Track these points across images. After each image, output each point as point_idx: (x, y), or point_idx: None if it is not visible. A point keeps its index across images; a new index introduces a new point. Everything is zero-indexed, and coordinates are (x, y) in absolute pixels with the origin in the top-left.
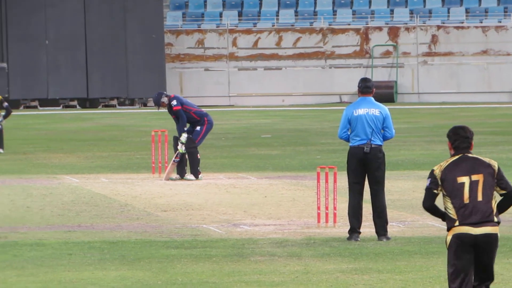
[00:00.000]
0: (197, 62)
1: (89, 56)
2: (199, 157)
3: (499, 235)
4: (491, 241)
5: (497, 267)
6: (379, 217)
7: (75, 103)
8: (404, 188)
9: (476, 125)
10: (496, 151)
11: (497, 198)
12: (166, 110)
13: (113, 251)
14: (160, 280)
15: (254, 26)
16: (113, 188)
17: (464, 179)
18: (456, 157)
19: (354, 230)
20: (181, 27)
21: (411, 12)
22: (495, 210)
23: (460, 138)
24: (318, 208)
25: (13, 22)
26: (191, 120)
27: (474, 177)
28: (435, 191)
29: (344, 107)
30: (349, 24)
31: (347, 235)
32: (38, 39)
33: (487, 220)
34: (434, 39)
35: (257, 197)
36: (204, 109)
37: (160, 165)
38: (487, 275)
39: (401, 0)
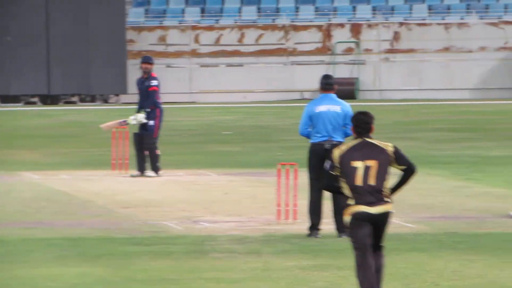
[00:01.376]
0: (159, 59)
1: (51, 53)
2: (158, 153)
3: (391, 212)
4: (386, 217)
5: (456, 264)
6: (339, 214)
7: (36, 99)
8: None
9: (438, 122)
10: (457, 148)
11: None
12: (144, 72)
13: (74, 248)
14: (120, 276)
15: (217, 22)
16: (74, 185)
17: (359, 164)
18: (356, 142)
19: (314, 226)
20: (143, 24)
21: (374, 9)
22: (386, 192)
23: (360, 123)
24: (278, 205)
25: None
26: (148, 105)
27: (368, 163)
28: (334, 172)
29: (306, 104)
30: (311, 21)
31: (307, 231)
32: (0, 36)
33: (380, 200)
34: (396, 36)
35: (217, 194)
36: (163, 106)
37: (120, 161)
38: (381, 242)
39: None
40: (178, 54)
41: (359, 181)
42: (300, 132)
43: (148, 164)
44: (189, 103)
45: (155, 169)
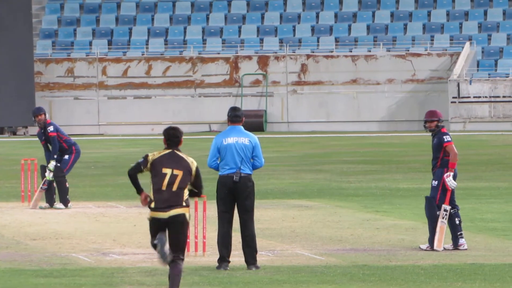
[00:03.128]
0: (67, 91)
1: None
2: (67, 185)
3: (187, 215)
4: (179, 219)
5: None
6: (249, 246)
7: None
8: (273, 217)
9: (346, 154)
10: (365, 180)
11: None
12: (40, 126)
13: None
14: None
15: (124, 54)
16: None
17: (167, 171)
18: (167, 151)
19: (224, 259)
20: (50, 56)
21: (281, 41)
22: (185, 197)
23: (171, 137)
24: (188, 237)
25: None
26: (60, 149)
27: (175, 172)
28: (142, 167)
29: (214, 136)
30: (218, 53)
31: (217, 264)
32: None
33: (176, 204)
34: (303, 68)
35: (126, 226)
36: (72, 138)
37: (29, 193)
38: (180, 247)
39: (271, 29)
40: (86, 86)
41: (164, 186)
42: (209, 164)
43: (56, 196)
44: (97, 135)
45: (64, 201)
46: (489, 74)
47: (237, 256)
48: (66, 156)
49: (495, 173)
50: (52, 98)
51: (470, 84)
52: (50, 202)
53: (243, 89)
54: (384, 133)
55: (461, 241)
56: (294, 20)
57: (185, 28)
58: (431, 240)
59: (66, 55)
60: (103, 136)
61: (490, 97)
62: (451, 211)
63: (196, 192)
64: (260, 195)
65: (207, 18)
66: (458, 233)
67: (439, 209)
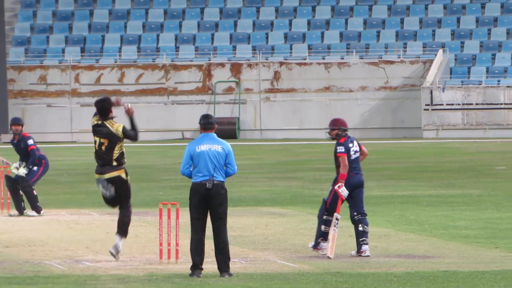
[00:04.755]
0: (40, 98)
1: None
2: (35, 193)
3: (123, 175)
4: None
5: None
6: (221, 253)
7: None
8: (246, 224)
9: (319, 162)
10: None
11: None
12: (16, 134)
13: None
14: None
15: (97, 62)
16: None
17: (96, 139)
18: (99, 122)
19: (196, 266)
20: (23, 63)
21: (254, 48)
22: (115, 156)
23: (101, 109)
24: (161, 244)
25: None
26: (32, 163)
27: (102, 140)
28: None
29: (187, 143)
30: (191, 61)
31: (190, 271)
32: None
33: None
34: (276, 76)
35: (99, 233)
36: (45, 145)
37: (2, 201)
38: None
39: (244, 36)
40: (59, 94)
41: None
42: (182, 172)
43: (25, 203)
44: (70, 142)
45: (36, 209)
46: (462, 82)
47: (210, 263)
48: (35, 168)
49: (468, 180)
50: (25, 105)
51: (443, 91)
52: (20, 210)
53: (216, 97)
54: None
55: (364, 247)
56: (267, 28)
57: (158, 36)
58: (315, 239)
59: (39, 62)
60: (76, 143)
61: (463, 104)
62: (355, 217)
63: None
64: (233, 202)
65: (180, 26)
66: (361, 239)
67: (331, 214)
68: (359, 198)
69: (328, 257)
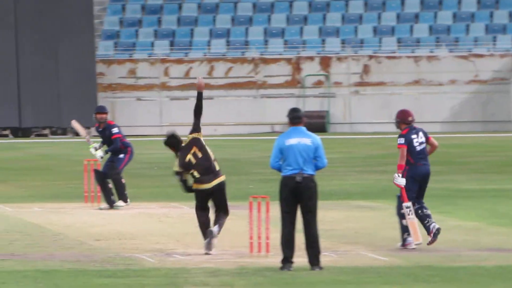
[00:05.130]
0: (129, 92)
1: (22, 85)
2: (124, 181)
3: None
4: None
5: None
6: (312, 247)
7: (7, 132)
8: (336, 218)
9: None
10: (431, 181)
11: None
12: (100, 123)
13: (47, 280)
14: None
15: (186, 55)
16: (46, 217)
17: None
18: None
19: (287, 259)
20: (113, 57)
21: (343, 42)
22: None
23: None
24: (251, 237)
25: None
26: (113, 151)
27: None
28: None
29: (276, 137)
30: (280, 54)
31: (280, 264)
32: None
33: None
34: (365, 69)
35: (190, 226)
36: (135, 139)
37: (92, 194)
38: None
39: (333, 30)
40: (148, 87)
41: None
42: (271, 165)
43: (115, 196)
44: (160, 136)
45: (124, 198)
46: None
47: (300, 257)
48: (121, 155)
49: None
50: (114, 99)
51: None
52: (110, 203)
53: (305, 90)
54: (447, 134)
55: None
56: (356, 21)
57: (247, 29)
58: (401, 237)
59: (128, 56)
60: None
61: None
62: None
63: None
64: (323, 196)
65: (269, 19)
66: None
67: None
68: (423, 190)
69: (416, 245)
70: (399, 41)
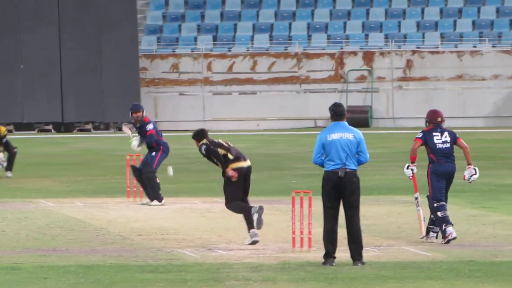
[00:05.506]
0: (172, 87)
1: (64, 80)
2: (158, 181)
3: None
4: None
5: None
6: (354, 242)
7: (50, 127)
8: (379, 213)
9: None
10: None
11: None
12: (136, 121)
13: (88, 275)
14: None
15: (229, 50)
16: (88, 212)
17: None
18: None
19: (329, 254)
20: (155, 52)
21: (386, 37)
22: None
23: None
24: (293, 232)
25: None
26: (149, 145)
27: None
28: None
29: (319, 132)
30: (323, 49)
31: (322, 259)
32: (13, 64)
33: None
34: (409, 64)
35: (232, 221)
36: (178, 134)
37: (135, 189)
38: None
39: (376, 25)
40: (191, 82)
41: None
42: (314, 160)
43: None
44: None
45: (158, 198)
46: None
47: (342, 252)
48: (153, 153)
49: None
50: (157, 94)
51: None
52: (150, 198)
53: (348, 85)
54: (490, 129)
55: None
56: (399, 16)
57: (290, 24)
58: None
59: (171, 51)
60: (208, 131)
61: None
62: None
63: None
64: (366, 191)
65: (312, 14)
66: (443, 224)
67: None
68: (445, 188)
69: (421, 238)
70: (442, 36)
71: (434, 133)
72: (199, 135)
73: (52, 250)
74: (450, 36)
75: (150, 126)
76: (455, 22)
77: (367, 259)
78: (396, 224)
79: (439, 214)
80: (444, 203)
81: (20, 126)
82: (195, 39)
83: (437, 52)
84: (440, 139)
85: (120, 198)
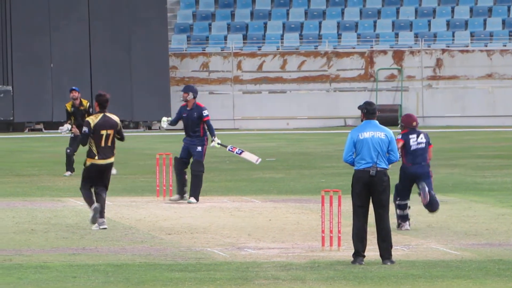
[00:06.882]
0: (202, 86)
1: (94, 79)
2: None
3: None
4: (111, 166)
5: None
6: (384, 241)
7: None
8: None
9: (481, 149)
10: (500, 175)
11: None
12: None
13: (118, 274)
14: None
15: (259, 49)
16: (117, 211)
17: (104, 132)
18: (101, 115)
19: (359, 253)
20: (185, 50)
21: (416, 35)
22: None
23: (103, 102)
24: (323, 231)
25: (17, 45)
26: (197, 132)
27: (109, 132)
28: (90, 133)
29: (349, 131)
30: (353, 48)
31: (352, 258)
32: (43, 62)
33: (111, 155)
34: (438, 63)
35: (261, 220)
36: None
37: (164, 188)
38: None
39: (406, 23)
40: (221, 81)
41: (103, 143)
42: (344, 159)
43: (187, 188)
44: (232, 129)
45: (197, 196)
46: None
47: (372, 251)
48: (199, 148)
49: None
50: None
51: None
52: (181, 193)
53: (378, 84)
54: None
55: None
56: (429, 15)
57: (320, 23)
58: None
59: (201, 49)
60: (238, 130)
61: None
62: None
63: (120, 138)
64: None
65: (342, 13)
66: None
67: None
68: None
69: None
70: (472, 35)
71: (410, 136)
72: None
73: (81, 249)
74: (480, 35)
75: (206, 112)
76: (485, 21)
77: (396, 257)
78: (426, 222)
79: (397, 211)
80: (406, 202)
81: (50, 125)
82: (225, 38)
83: (467, 51)
84: (416, 141)
85: (149, 197)
